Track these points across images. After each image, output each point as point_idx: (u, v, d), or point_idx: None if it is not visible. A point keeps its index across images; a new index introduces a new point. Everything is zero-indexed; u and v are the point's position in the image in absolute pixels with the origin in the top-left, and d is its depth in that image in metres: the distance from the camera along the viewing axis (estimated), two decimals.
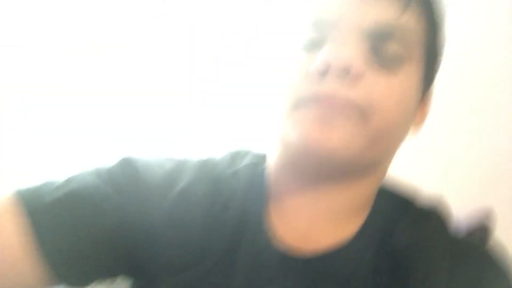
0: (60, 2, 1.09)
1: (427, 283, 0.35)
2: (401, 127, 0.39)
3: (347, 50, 0.34)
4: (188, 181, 0.42)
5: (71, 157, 1.03)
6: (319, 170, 0.38)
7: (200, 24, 1.12)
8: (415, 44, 0.37)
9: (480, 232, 0.48)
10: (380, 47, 0.36)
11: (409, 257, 0.37)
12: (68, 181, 0.39)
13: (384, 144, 0.37)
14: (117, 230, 0.38)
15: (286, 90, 0.37)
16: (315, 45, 0.36)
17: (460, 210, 0.50)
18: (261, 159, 0.45)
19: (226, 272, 0.38)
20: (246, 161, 0.45)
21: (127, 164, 0.42)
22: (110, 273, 0.41)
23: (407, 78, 0.37)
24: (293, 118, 0.36)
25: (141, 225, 0.39)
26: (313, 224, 0.40)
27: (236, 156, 0.46)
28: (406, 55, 0.36)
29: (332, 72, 0.34)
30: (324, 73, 0.34)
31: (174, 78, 1.13)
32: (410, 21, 0.36)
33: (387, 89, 0.35)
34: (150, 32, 1.14)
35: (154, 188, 0.40)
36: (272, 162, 0.42)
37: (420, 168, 1.00)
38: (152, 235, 0.39)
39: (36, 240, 0.35)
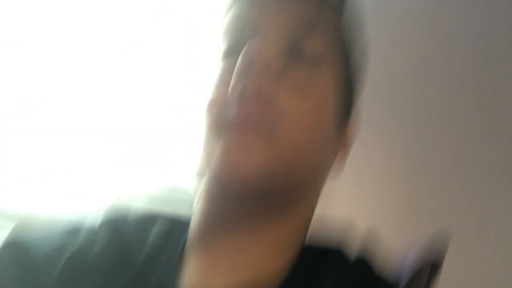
0: (60, 2, 1.10)
1: None
2: (321, 144, 0.35)
3: (265, 47, 0.32)
4: (82, 246, 0.37)
5: (70, 157, 1.04)
6: (240, 199, 0.33)
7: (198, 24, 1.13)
8: (335, 45, 0.36)
9: (427, 271, 0.44)
10: (299, 42, 0.34)
11: None
12: None
13: (300, 164, 0.33)
14: None
15: (209, 112, 0.34)
16: (235, 52, 0.33)
17: (410, 244, 0.47)
18: (178, 224, 0.41)
19: None
20: (158, 226, 0.41)
21: (12, 249, 0.37)
22: None
23: (325, 84, 0.35)
24: (215, 131, 0.33)
25: None
26: (236, 266, 0.35)
27: (148, 220, 0.42)
28: (324, 56, 0.35)
29: (252, 69, 0.31)
30: (244, 73, 0.31)
31: (173, 78, 1.14)
32: (329, 16, 0.35)
33: (304, 95, 0.33)
34: (150, 32, 1.14)
35: (42, 262, 0.36)
36: (198, 206, 0.38)
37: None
38: None
39: None
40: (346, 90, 0.38)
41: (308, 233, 0.38)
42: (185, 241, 0.37)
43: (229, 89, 0.32)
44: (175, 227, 0.40)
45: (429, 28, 1.09)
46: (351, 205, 1.02)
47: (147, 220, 0.41)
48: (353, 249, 0.37)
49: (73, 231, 0.39)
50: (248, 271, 0.34)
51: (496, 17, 1.05)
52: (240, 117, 0.31)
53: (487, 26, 1.06)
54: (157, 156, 1.05)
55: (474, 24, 1.07)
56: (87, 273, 0.36)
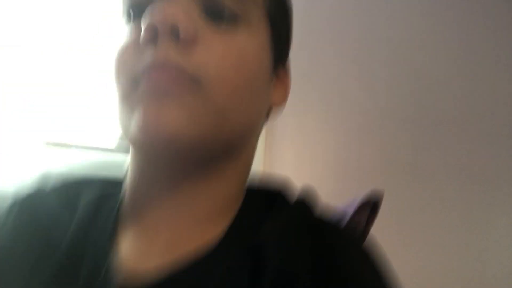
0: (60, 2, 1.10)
1: (283, 269, 0.29)
2: (251, 100, 0.33)
3: (173, 6, 0.29)
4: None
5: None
6: (170, 163, 0.32)
7: None
8: (252, 2, 0.33)
9: (367, 210, 0.46)
10: (212, 2, 0.31)
11: (266, 248, 0.30)
12: None
13: (234, 119, 0.32)
14: None
15: (118, 71, 0.31)
16: (140, 14, 0.31)
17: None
18: (110, 188, 0.39)
19: None
20: (88, 191, 0.38)
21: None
22: None
23: (246, 40, 0.32)
24: (128, 102, 0.30)
25: None
26: (175, 235, 0.33)
27: (76, 188, 0.39)
28: (242, 13, 0.32)
29: (161, 35, 0.29)
30: (152, 39, 0.29)
31: None
32: None
33: (224, 51, 0.30)
34: None
35: None
36: (128, 177, 0.36)
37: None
38: None
39: None
40: (273, 44, 0.36)
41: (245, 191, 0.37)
42: (118, 210, 0.36)
43: (136, 59, 0.30)
44: (106, 193, 0.38)
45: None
46: (292, 167, 1.08)
47: (74, 188, 0.39)
48: (293, 197, 0.36)
49: None
50: (186, 244, 0.32)
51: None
52: (151, 87, 0.29)
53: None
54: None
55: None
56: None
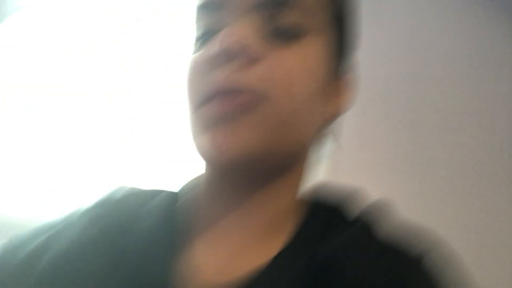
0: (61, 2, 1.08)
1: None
2: (311, 111, 0.34)
3: (241, 30, 0.31)
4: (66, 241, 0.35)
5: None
6: (237, 178, 0.34)
7: None
8: (317, 12, 0.34)
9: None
10: (274, 18, 0.32)
11: (336, 267, 0.31)
12: None
13: (297, 130, 0.33)
14: None
15: (188, 85, 0.34)
16: (208, 35, 0.33)
17: None
18: (175, 197, 0.40)
19: None
20: (155, 201, 0.39)
21: None
22: None
23: (310, 53, 0.33)
24: (199, 119, 0.33)
25: None
26: (238, 247, 0.34)
27: (141, 196, 0.40)
28: (306, 25, 0.33)
29: (229, 57, 0.31)
30: (218, 62, 0.31)
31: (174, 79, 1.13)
32: None
33: (287, 67, 0.32)
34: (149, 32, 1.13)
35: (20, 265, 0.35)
36: (200, 191, 0.38)
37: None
38: None
39: None
40: (335, 54, 0.37)
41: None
42: (184, 222, 0.37)
43: (205, 84, 0.32)
44: (171, 205, 0.39)
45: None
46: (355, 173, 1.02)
47: (142, 198, 0.40)
48: (358, 209, 0.37)
49: (52, 226, 0.38)
50: (250, 255, 0.34)
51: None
52: (221, 111, 0.31)
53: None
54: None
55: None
56: (68, 263, 0.34)
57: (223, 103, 0.31)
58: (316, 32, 0.34)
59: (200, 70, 0.33)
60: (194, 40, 0.36)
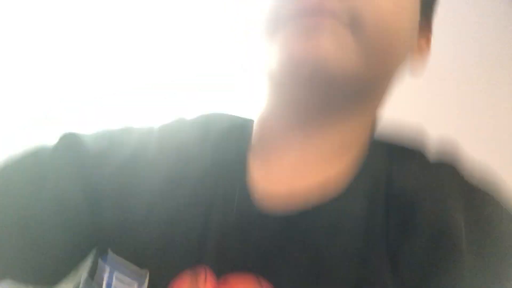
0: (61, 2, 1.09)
1: (440, 222, 0.28)
2: (400, 40, 0.32)
3: None
4: (143, 145, 0.38)
5: None
6: (311, 93, 0.32)
7: None
8: None
9: None
10: None
11: (415, 200, 0.30)
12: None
13: (382, 60, 0.31)
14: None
15: (262, 13, 0.31)
16: None
17: None
18: (240, 120, 0.41)
19: (199, 235, 0.32)
20: (220, 123, 0.40)
21: (70, 140, 0.38)
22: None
23: None
24: (273, 42, 0.30)
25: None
26: (300, 168, 0.34)
27: (208, 119, 0.41)
28: None
29: None
30: None
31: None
32: None
33: None
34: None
35: (96, 158, 0.37)
36: (259, 110, 0.37)
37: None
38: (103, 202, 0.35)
39: None
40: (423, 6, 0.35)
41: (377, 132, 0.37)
42: (247, 141, 0.37)
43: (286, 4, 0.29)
44: (235, 124, 0.40)
45: None
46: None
47: (206, 119, 0.41)
48: (430, 153, 0.35)
49: (128, 130, 0.40)
50: (315, 171, 0.33)
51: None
52: (301, 26, 0.28)
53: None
54: None
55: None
56: (144, 171, 0.36)
57: (306, 17, 0.28)
58: None
59: None
60: None
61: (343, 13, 0.28)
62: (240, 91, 1.07)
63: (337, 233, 0.30)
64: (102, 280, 0.33)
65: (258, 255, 0.30)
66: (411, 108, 0.88)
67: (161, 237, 0.33)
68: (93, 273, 0.34)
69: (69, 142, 0.37)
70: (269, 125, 0.36)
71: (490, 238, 0.28)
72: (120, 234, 0.34)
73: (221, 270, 0.30)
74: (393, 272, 0.28)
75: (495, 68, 1.04)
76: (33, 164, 0.36)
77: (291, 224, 0.31)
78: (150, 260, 0.32)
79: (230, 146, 0.37)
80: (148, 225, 0.33)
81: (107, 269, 0.33)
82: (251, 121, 0.39)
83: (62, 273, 0.36)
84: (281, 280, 0.29)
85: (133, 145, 0.38)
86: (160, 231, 0.33)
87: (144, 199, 0.34)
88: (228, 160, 0.36)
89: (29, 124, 0.96)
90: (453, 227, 0.28)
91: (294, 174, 0.34)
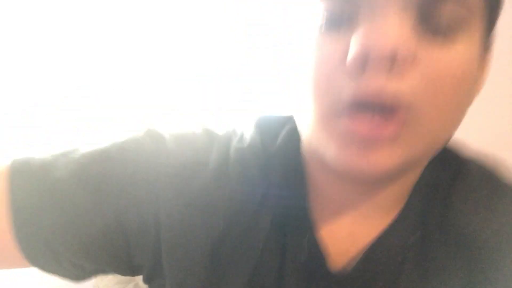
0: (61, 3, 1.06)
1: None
2: (458, 109, 0.29)
3: (390, 27, 0.24)
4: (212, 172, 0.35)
5: None
6: (360, 187, 0.34)
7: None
8: (470, 5, 0.27)
9: None
10: (431, 13, 0.25)
11: (483, 244, 0.32)
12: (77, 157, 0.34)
13: (444, 137, 0.30)
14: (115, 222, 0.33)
15: (315, 88, 0.28)
16: (341, 22, 0.27)
17: None
18: (296, 135, 0.37)
19: None
20: (281, 140, 0.37)
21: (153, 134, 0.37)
22: (96, 271, 0.36)
23: (466, 50, 0.27)
24: (330, 128, 0.28)
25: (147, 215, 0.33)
26: (361, 222, 0.35)
27: (268, 131, 0.38)
28: (462, 19, 0.26)
29: (374, 62, 0.25)
30: (363, 64, 0.25)
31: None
32: None
33: (442, 70, 0.26)
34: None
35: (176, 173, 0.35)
36: (304, 140, 0.35)
37: None
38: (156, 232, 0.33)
39: (12, 216, 0.32)
40: (484, 39, 0.30)
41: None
42: (305, 183, 0.36)
43: (340, 82, 0.27)
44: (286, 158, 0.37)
45: None
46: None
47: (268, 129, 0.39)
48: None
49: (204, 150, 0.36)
50: (375, 224, 0.35)
51: None
52: (356, 131, 0.27)
53: None
54: None
55: None
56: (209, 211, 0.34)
57: (373, 125, 0.26)
58: (472, 24, 0.27)
59: (336, 68, 0.27)
60: (315, 24, 0.29)
61: (400, 99, 0.26)
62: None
63: (397, 271, 0.34)
64: None
65: None
66: None
67: None
68: None
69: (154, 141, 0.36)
70: (316, 167, 0.35)
71: None
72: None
73: None
74: None
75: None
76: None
77: (364, 282, 0.33)
78: None
79: (289, 191, 0.35)
80: None
81: None
82: (297, 146, 0.36)
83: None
84: None
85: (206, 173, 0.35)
86: None
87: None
88: (291, 211, 0.35)
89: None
90: None
91: (357, 229, 0.34)
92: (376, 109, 0.26)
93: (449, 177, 0.36)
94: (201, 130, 0.38)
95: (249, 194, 0.34)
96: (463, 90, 0.28)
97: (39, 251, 0.32)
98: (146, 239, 0.33)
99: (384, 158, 0.27)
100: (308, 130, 0.31)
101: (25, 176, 0.32)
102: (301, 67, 0.30)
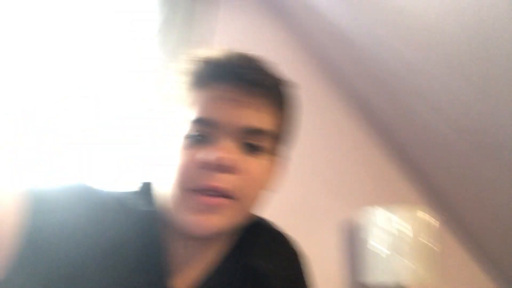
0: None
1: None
2: (260, 196, 0.52)
3: (224, 149, 0.46)
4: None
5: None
6: (202, 240, 0.53)
7: None
8: (275, 140, 0.52)
9: None
10: (249, 140, 0.49)
11: (264, 277, 0.56)
12: None
13: (251, 210, 0.52)
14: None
15: (178, 173, 0.47)
16: (201, 140, 0.48)
17: None
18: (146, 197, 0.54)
19: None
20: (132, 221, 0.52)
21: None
22: None
23: (265, 162, 0.51)
24: (186, 201, 0.47)
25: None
26: (194, 266, 0.53)
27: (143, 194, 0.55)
28: (262, 146, 0.50)
29: (215, 167, 0.46)
30: (210, 167, 0.46)
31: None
32: (271, 123, 0.51)
33: (251, 173, 0.48)
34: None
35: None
36: (162, 208, 0.51)
37: None
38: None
39: None
40: (278, 152, 0.55)
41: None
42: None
43: (200, 177, 0.46)
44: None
45: None
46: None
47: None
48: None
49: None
50: (203, 260, 0.54)
51: None
52: (205, 203, 0.46)
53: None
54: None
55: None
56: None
57: (212, 199, 0.46)
58: (274, 150, 0.53)
59: (198, 166, 0.47)
60: (185, 134, 0.48)
61: (229, 189, 0.47)
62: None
63: None
64: None
65: None
66: None
67: None
68: None
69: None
70: (174, 235, 0.52)
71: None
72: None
73: None
74: None
75: None
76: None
77: None
78: None
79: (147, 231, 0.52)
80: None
81: None
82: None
83: None
84: None
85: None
86: None
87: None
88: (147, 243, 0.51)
89: None
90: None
91: (193, 272, 0.53)
92: (215, 193, 0.46)
93: (250, 233, 0.58)
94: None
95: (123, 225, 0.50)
96: (264, 185, 0.51)
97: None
98: None
99: (217, 221, 0.47)
100: (168, 201, 0.48)
101: None
102: (167, 160, 0.49)
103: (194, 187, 0.46)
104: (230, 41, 1.43)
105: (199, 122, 0.48)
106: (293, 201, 1.52)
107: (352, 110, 1.70)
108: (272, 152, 0.53)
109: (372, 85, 1.54)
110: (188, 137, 0.48)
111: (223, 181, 0.46)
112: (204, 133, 0.48)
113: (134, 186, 0.56)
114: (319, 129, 1.64)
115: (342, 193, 1.61)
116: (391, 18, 1.17)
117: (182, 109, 0.50)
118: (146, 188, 0.55)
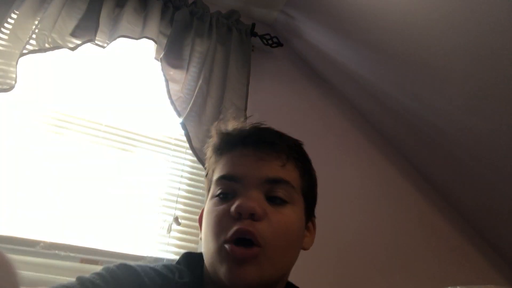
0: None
1: None
2: (292, 251, 0.55)
3: (251, 198, 0.51)
4: None
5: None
6: None
7: None
8: (294, 189, 0.56)
9: None
10: (271, 191, 0.54)
11: None
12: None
13: (282, 265, 0.53)
14: None
15: (211, 228, 0.53)
16: (227, 194, 0.54)
17: None
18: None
19: None
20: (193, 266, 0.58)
21: (124, 266, 0.54)
22: None
23: (291, 214, 0.54)
24: (223, 253, 0.51)
25: None
26: None
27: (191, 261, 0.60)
28: (287, 198, 0.54)
29: (244, 216, 0.50)
30: (233, 216, 0.51)
31: None
32: (289, 174, 0.56)
33: (277, 223, 0.52)
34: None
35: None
36: (207, 265, 0.55)
37: None
38: None
39: None
40: (306, 210, 0.58)
41: None
42: None
43: (230, 226, 0.51)
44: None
45: None
46: None
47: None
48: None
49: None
50: None
51: None
52: (235, 255, 0.50)
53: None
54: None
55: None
56: None
57: (245, 251, 0.49)
58: (294, 201, 0.56)
59: (226, 217, 0.52)
60: (212, 193, 0.57)
61: (257, 237, 0.49)
62: None
63: None
64: None
65: None
66: None
67: None
68: None
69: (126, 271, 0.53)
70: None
71: None
72: None
73: None
74: None
75: None
76: None
77: None
78: None
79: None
80: None
81: None
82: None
83: None
84: None
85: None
86: None
87: None
88: None
89: None
90: None
91: None
92: (244, 242, 0.49)
93: None
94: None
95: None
96: (291, 235, 0.53)
97: None
98: None
99: (253, 271, 0.49)
100: (209, 256, 0.53)
101: None
102: (205, 220, 0.55)
103: (225, 238, 0.50)
104: (264, 109, 1.55)
105: (224, 179, 0.55)
106: None
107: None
108: (298, 205, 0.56)
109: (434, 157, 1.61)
110: (216, 195, 0.55)
111: (246, 224, 0.50)
112: (229, 189, 0.55)
113: (174, 259, 0.60)
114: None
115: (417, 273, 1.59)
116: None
117: (211, 174, 0.59)
118: (185, 259, 0.60)
